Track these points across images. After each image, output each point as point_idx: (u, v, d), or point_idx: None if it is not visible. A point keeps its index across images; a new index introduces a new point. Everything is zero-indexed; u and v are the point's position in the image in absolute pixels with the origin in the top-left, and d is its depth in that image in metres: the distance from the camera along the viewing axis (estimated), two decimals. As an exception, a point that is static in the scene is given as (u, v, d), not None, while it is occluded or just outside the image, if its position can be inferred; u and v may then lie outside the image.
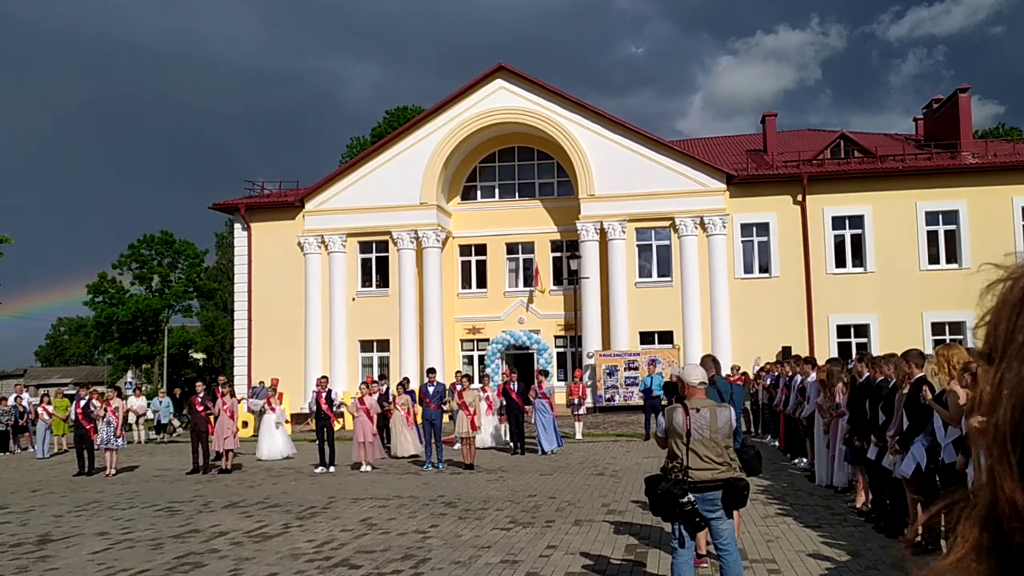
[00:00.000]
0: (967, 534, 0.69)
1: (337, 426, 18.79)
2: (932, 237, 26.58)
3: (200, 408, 16.52)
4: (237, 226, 30.52)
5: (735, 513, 7.29)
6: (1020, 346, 0.68)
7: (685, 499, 5.50)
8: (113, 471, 16.28)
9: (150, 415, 26.71)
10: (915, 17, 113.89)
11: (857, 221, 26.79)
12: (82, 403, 17.55)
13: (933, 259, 26.46)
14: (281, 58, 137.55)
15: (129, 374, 55.79)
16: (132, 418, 25.72)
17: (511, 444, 18.30)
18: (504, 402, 18.61)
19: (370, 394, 16.68)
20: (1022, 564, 0.66)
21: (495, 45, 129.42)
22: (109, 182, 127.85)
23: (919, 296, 25.79)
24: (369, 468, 15.58)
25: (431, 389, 16.36)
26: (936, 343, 21.30)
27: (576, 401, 20.77)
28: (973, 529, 0.69)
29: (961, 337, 24.48)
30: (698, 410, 5.72)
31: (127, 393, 29.00)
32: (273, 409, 18.30)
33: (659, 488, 5.63)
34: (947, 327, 25.66)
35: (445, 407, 17.03)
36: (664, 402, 16.04)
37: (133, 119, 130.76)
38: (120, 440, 16.63)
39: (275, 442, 18.15)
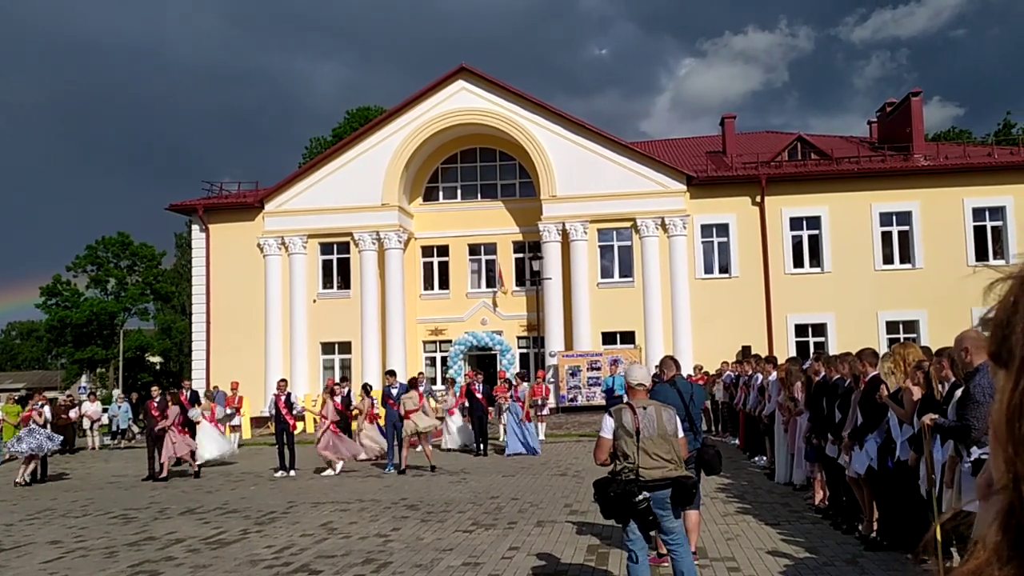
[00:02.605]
0: (987, 539, 0.68)
1: (297, 429, 18.53)
2: (886, 238, 27.12)
3: (156, 413, 16.21)
4: (195, 227, 30.03)
5: (696, 512, 7.37)
6: None
7: (640, 497, 5.52)
8: (25, 480, 15.66)
9: (105, 420, 26.16)
10: (879, 19, 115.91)
11: (814, 222, 27.23)
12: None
13: (887, 259, 27.00)
14: (244, 56, 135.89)
15: (83, 378, 54.53)
16: (87, 423, 25.19)
17: (475, 445, 18.28)
18: (467, 403, 18.62)
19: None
20: None
21: (461, 46, 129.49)
22: (66, 182, 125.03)
23: (874, 295, 26.30)
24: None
25: (394, 391, 16.28)
26: (891, 342, 21.74)
27: (539, 402, 20.80)
28: (994, 533, 0.67)
29: (914, 336, 25.04)
30: (645, 408, 5.76)
31: (81, 398, 28.35)
32: (240, 412, 17.87)
33: (611, 490, 5.64)
34: (901, 326, 26.21)
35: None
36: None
37: (91, 117, 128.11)
38: (51, 444, 16.19)
39: (203, 446, 16.39)
